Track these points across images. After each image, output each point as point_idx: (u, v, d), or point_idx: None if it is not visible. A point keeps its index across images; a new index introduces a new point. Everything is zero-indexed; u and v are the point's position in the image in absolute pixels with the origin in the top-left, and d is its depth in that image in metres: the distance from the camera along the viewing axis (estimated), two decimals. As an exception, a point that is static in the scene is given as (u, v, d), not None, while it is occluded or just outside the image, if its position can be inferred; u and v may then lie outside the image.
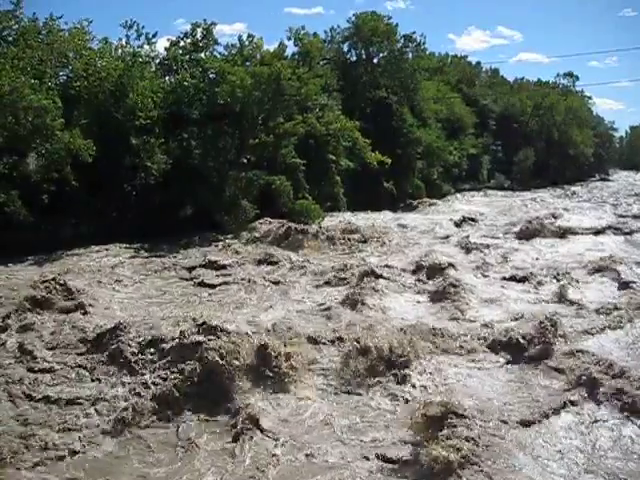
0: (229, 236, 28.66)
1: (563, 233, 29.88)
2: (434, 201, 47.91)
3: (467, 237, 28.54)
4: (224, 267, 22.02)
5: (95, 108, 28.42)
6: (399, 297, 18.35)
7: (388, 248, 26.92)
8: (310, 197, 34.26)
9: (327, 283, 19.88)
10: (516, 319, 15.80)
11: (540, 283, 19.71)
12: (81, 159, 25.25)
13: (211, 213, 30.18)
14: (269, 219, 30.56)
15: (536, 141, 73.91)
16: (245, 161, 32.24)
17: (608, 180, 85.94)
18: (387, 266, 21.40)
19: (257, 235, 28.62)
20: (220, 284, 19.86)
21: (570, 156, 78.24)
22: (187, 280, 20.73)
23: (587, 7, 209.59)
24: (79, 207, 26.18)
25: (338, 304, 17.11)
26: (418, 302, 18.00)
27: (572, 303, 17.35)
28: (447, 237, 29.95)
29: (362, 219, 35.57)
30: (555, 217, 35.56)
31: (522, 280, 20.19)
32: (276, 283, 19.88)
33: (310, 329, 14.57)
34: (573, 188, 66.11)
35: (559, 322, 14.37)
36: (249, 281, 19.82)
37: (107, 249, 25.15)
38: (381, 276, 19.64)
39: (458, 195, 54.73)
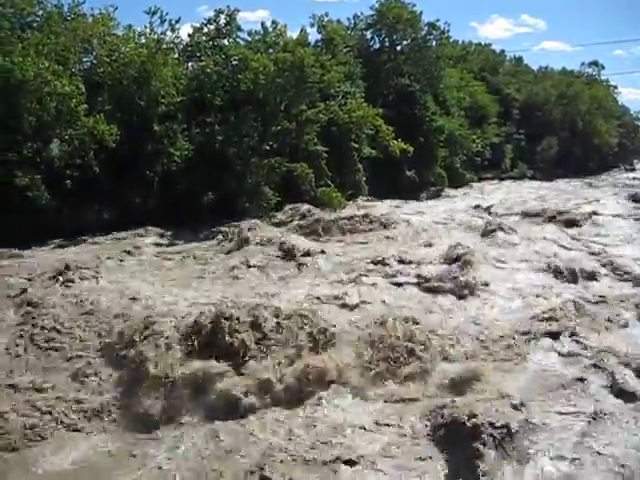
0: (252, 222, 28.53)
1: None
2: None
3: None
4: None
5: (118, 94, 28.52)
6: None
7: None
8: (332, 184, 34.21)
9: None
10: None
11: None
12: (104, 144, 25.40)
13: (233, 200, 30.17)
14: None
15: (560, 130, 73.08)
16: (267, 148, 32.17)
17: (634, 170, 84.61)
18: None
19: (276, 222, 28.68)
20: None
21: (594, 146, 77.29)
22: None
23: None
24: (102, 193, 26.26)
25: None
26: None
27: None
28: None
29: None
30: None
31: None
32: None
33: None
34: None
35: None
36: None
37: (132, 234, 25.37)
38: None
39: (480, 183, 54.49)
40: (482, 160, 57.88)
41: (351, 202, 35.29)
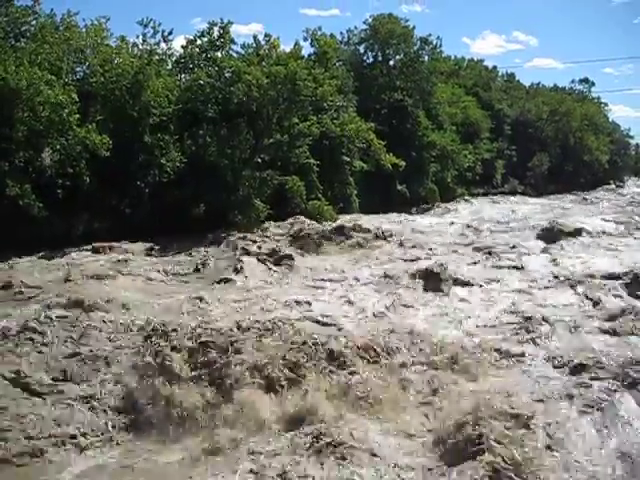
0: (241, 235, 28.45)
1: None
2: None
3: None
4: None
5: (111, 105, 28.53)
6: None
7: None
8: (323, 198, 34.26)
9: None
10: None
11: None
12: (97, 153, 25.35)
13: (224, 212, 30.17)
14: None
15: (551, 147, 73.48)
16: (259, 161, 32.24)
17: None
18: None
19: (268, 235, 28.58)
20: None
21: (585, 162, 77.80)
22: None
23: (602, 14, 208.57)
24: (92, 203, 26.23)
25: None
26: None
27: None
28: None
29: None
30: None
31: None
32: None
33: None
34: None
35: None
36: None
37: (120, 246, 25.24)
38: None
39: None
40: (473, 175, 58.06)
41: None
